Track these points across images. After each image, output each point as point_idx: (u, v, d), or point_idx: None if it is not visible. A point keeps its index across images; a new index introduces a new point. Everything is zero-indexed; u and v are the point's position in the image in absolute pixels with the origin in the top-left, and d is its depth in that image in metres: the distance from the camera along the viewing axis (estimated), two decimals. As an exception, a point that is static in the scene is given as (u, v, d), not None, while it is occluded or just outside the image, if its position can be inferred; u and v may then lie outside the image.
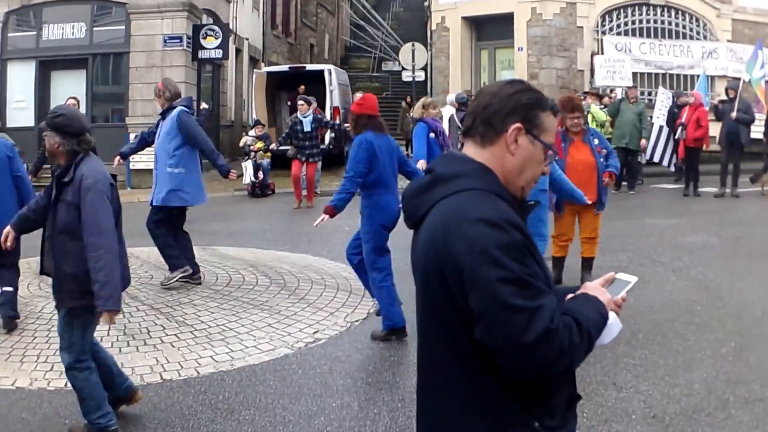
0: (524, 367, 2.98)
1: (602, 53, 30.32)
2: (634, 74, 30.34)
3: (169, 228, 12.96)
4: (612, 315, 3.25)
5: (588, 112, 23.92)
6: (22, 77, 30.14)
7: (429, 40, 36.82)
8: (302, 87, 30.11)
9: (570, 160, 11.31)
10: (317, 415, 7.71)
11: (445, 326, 3.15)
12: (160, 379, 8.88)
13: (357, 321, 10.85)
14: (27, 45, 30.62)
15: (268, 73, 34.33)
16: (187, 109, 12.85)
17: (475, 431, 3.14)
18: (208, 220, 19.57)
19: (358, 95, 26.42)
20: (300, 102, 24.94)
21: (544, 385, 3.13)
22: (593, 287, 3.35)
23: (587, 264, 12.00)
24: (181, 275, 12.62)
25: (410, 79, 35.54)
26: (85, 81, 29.93)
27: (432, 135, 14.79)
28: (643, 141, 23.69)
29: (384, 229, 10.22)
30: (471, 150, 3.32)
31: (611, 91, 27.99)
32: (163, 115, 12.82)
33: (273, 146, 24.46)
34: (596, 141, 11.56)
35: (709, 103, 25.87)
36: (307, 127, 22.57)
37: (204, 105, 29.40)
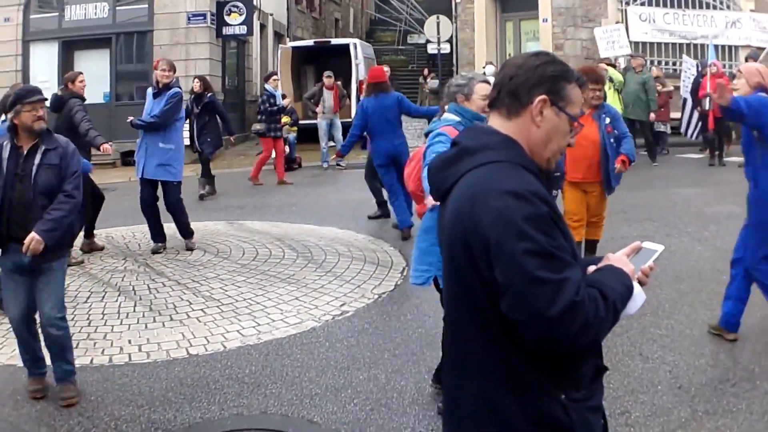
0: (549, 341, 2.95)
1: (626, 24, 30.06)
2: (658, 44, 30.10)
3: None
4: (636, 286, 3.22)
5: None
6: (45, 58, 30.07)
7: (454, 13, 36.51)
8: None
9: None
10: (344, 388, 7.70)
11: (471, 299, 3.14)
12: (186, 354, 8.87)
13: (384, 293, 10.82)
14: (49, 26, 30.53)
15: (294, 48, 34.25)
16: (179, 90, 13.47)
17: (501, 404, 3.12)
18: (234, 194, 19.60)
19: (385, 68, 26.55)
20: (327, 74, 24.97)
21: (569, 358, 3.11)
22: (617, 258, 3.32)
23: (591, 247, 11.42)
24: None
25: (435, 51, 35.36)
26: (108, 60, 29.90)
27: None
28: (652, 114, 23.35)
29: (380, 165, 14.57)
30: (496, 122, 3.30)
31: (615, 59, 27.67)
32: (159, 92, 13.37)
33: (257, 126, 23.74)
34: (608, 120, 10.70)
35: (729, 72, 25.63)
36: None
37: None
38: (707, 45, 27.25)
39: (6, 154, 7.38)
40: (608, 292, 3.06)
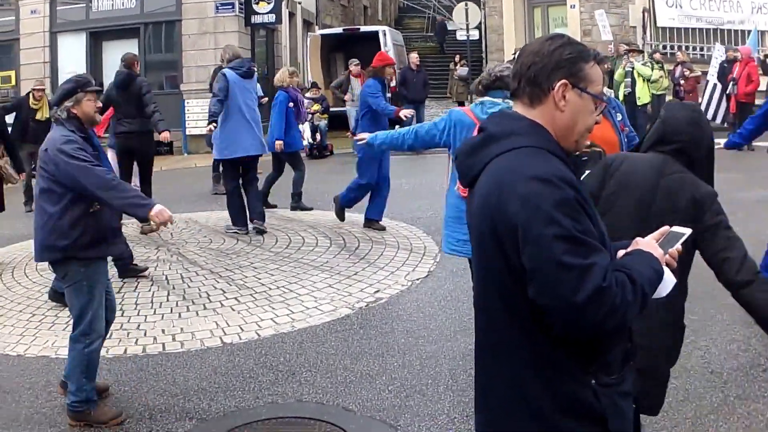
0: (576, 326, 2.96)
1: (653, 9, 29.93)
2: (686, 30, 29.94)
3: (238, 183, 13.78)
4: (666, 270, 3.23)
5: (632, 69, 23.63)
6: (73, 49, 30.14)
7: (482, -1, 36.51)
8: None
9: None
10: (379, 375, 7.66)
11: (500, 285, 3.14)
12: (220, 342, 8.87)
13: (418, 279, 10.77)
14: (77, 17, 30.61)
15: (323, 35, 34.28)
16: (230, 70, 13.42)
17: (531, 390, 3.12)
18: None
19: (414, 55, 26.41)
20: (354, 62, 24.91)
21: (598, 342, 3.11)
22: (646, 242, 3.32)
23: None
24: (235, 231, 13.60)
25: (464, 38, 35.25)
26: (137, 50, 29.87)
27: (291, 105, 15.98)
28: None
29: None
30: (521, 111, 3.29)
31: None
32: None
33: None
34: (619, 116, 9.79)
35: (758, 58, 25.46)
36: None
37: None
38: (748, 30, 27.12)
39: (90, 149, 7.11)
40: (636, 276, 3.06)
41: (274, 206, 15.98)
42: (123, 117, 13.75)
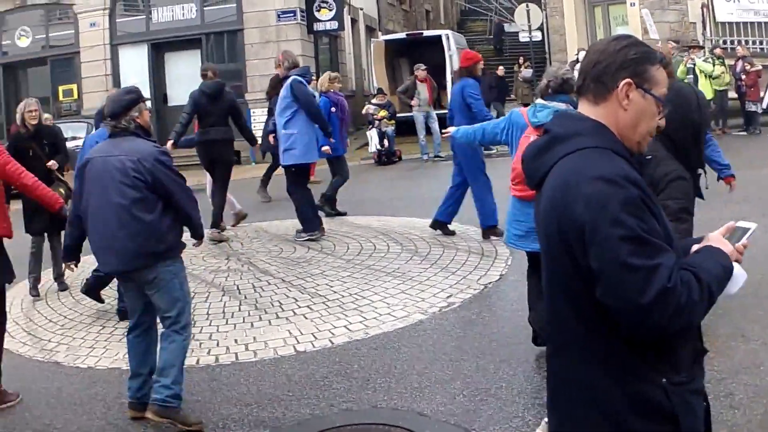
0: (642, 327, 2.97)
1: (712, 5, 29.59)
2: (744, 24, 29.59)
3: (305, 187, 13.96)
4: (737, 265, 3.21)
5: (693, 65, 23.32)
6: (135, 61, 30.56)
7: (543, 0, 36.33)
8: None
9: None
10: (453, 380, 7.60)
11: (568, 286, 3.16)
12: (293, 351, 8.86)
13: (490, 283, 10.67)
14: (137, 29, 31.11)
15: (386, 41, 34.33)
16: (300, 78, 13.65)
17: (603, 390, 3.14)
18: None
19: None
20: (421, 67, 24.84)
21: (668, 341, 3.10)
22: (716, 238, 3.31)
23: None
24: (308, 238, 13.54)
25: (527, 39, 35.16)
26: (200, 60, 30.13)
27: (333, 109, 16.11)
28: None
29: None
30: (585, 108, 3.31)
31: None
32: (282, 83, 13.85)
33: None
34: None
35: None
36: None
37: None
38: None
39: None
40: (703, 275, 3.05)
41: (344, 213, 15.95)
42: (210, 126, 14.15)
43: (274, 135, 15.27)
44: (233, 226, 15.05)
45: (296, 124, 13.49)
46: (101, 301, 10.73)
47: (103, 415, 7.65)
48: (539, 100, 7.75)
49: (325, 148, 15.06)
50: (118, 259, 7.11)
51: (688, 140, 5.47)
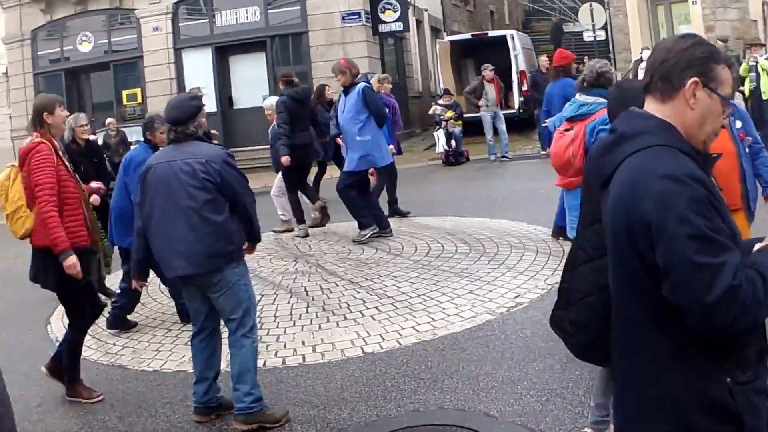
0: (708, 326, 2.98)
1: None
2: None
3: (359, 191, 14.08)
4: None
5: (756, 63, 22.91)
6: (199, 64, 30.82)
7: (606, -1, 36.20)
8: None
9: None
10: (520, 380, 7.54)
11: (635, 284, 3.18)
12: (361, 352, 8.86)
13: (557, 283, 10.54)
14: (201, 32, 31.36)
15: (452, 42, 34.31)
16: (370, 85, 14.05)
17: (668, 388, 3.15)
18: (403, 190, 19.57)
19: (543, 58, 26.24)
20: (488, 67, 24.76)
21: (734, 340, 3.09)
22: None
23: None
24: (371, 233, 13.75)
25: (591, 39, 34.95)
26: (265, 63, 30.37)
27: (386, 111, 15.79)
28: None
29: None
30: (652, 106, 3.33)
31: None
32: (347, 90, 13.89)
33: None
34: (738, 124, 7.90)
35: None
36: None
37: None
38: None
39: None
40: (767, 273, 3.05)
41: (407, 213, 15.97)
42: (300, 129, 14.40)
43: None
44: (276, 232, 15.12)
45: (370, 130, 13.65)
46: (133, 324, 10.69)
47: (168, 418, 7.72)
48: (578, 96, 7.70)
49: (391, 147, 15.13)
50: (187, 263, 7.11)
51: None
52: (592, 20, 34.38)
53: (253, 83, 29.68)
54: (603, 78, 7.40)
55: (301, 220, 14.86)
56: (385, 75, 17.82)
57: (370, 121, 13.64)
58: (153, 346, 9.78)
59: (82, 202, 8.10)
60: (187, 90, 26.59)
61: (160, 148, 9.72)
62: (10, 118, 33.87)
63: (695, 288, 2.92)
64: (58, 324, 11.41)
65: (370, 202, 14.15)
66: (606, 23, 35.64)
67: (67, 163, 8.08)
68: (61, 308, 11.94)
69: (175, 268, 7.24)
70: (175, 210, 7.04)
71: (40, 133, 8.01)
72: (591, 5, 34.70)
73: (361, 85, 13.73)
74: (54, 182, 7.84)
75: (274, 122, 15.03)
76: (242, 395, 7.09)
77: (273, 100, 15.91)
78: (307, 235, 14.52)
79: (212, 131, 16.68)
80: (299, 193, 15.01)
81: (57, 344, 10.60)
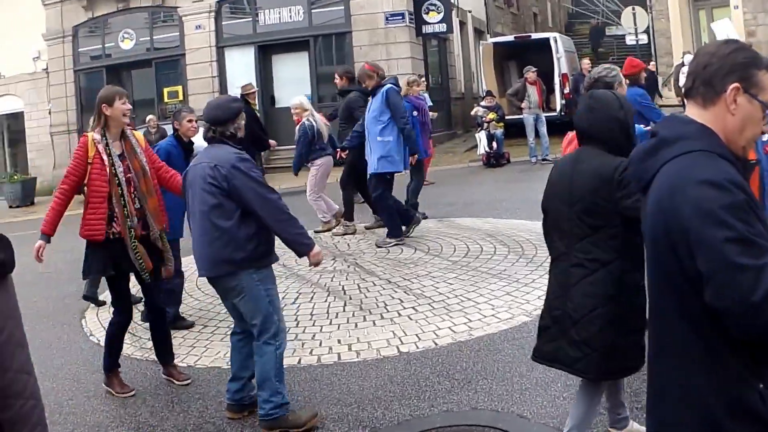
0: (753, 327, 2.96)
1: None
2: None
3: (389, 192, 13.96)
4: None
5: None
6: (242, 63, 30.99)
7: (648, 3, 36.09)
8: None
9: None
10: (554, 382, 7.51)
11: (673, 289, 3.19)
12: (397, 352, 8.85)
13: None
14: (244, 31, 31.55)
15: (495, 43, 34.21)
16: (395, 87, 13.87)
17: (702, 393, 3.14)
18: (443, 191, 19.59)
19: (585, 62, 26.11)
20: (531, 69, 24.71)
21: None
22: None
23: None
24: (394, 244, 13.57)
25: (634, 42, 34.78)
26: (308, 62, 30.46)
27: (415, 113, 15.85)
28: None
29: None
30: (693, 111, 3.33)
31: None
32: (374, 92, 13.86)
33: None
34: (765, 137, 8.18)
35: None
36: None
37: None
38: None
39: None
40: None
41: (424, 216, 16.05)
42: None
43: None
44: (318, 231, 15.07)
45: (392, 132, 13.57)
46: (190, 324, 10.62)
47: (200, 414, 7.76)
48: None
49: (412, 159, 15.13)
50: (202, 265, 7.19)
51: (620, 139, 5.54)
52: (635, 24, 34.23)
53: (295, 82, 29.68)
54: (599, 83, 7.32)
55: (350, 218, 14.94)
56: (415, 78, 17.65)
57: (392, 123, 13.56)
58: (188, 342, 9.83)
59: (113, 197, 8.08)
60: (237, 87, 26.72)
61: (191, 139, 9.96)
62: (50, 113, 34.26)
63: (740, 289, 2.90)
64: (93, 319, 11.60)
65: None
66: (648, 27, 35.48)
67: (106, 158, 8.07)
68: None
69: (198, 269, 7.33)
70: (194, 214, 7.14)
71: (97, 124, 8.22)
72: (634, 9, 34.59)
73: (387, 86, 13.69)
74: (73, 173, 8.21)
75: (303, 121, 15.12)
76: (262, 402, 7.10)
77: (302, 98, 16.02)
78: (354, 232, 14.62)
79: (271, 141, 16.82)
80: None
81: (90, 337, 10.81)
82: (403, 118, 13.58)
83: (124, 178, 8.10)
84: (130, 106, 8.41)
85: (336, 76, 16.45)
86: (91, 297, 12.05)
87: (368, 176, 13.92)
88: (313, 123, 15.14)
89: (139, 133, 8.58)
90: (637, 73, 13.15)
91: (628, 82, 13.42)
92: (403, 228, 13.83)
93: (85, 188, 8.23)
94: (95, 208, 8.11)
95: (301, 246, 7.10)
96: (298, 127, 15.36)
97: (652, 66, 31.86)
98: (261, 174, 7.30)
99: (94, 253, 8.21)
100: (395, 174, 14.01)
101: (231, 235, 6.92)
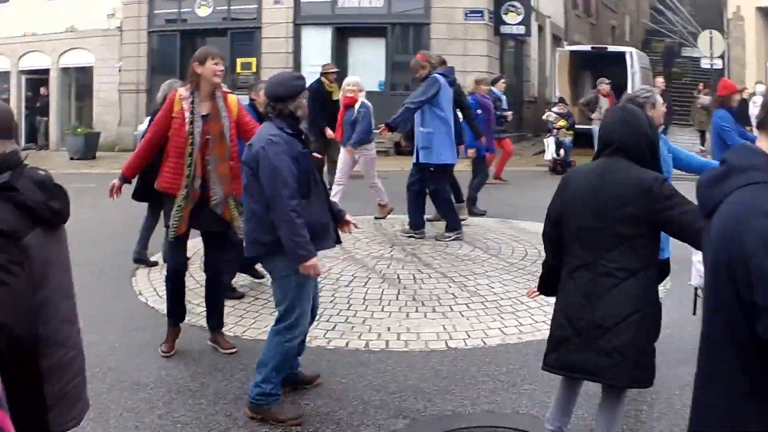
0: None
1: None
2: None
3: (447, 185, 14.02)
4: None
5: None
6: (317, 43, 30.88)
7: (725, 29, 35.70)
8: None
9: None
10: (597, 394, 7.35)
11: (727, 318, 3.09)
12: (445, 346, 8.85)
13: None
14: (322, 11, 31.41)
15: (571, 52, 34.12)
16: (440, 77, 13.46)
17: (746, 423, 3.05)
18: (508, 193, 19.55)
19: (660, 80, 25.85)
20: (605, 81, 24.56)
21: None
22: None
23: None
24: (454, 237, 13.47)
25: (708, 66, 34.43)
26: (384, 49, 30.44)
27: (479, 111, 16.17)
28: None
29: None
30: (764, 143, 3.18)
31: None
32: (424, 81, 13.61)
33: None
34: None
35: None
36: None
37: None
38: None
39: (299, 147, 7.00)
40: None
41: (483, 213, 16.20)
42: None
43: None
44: (377, 218, 15.12)
45: (432, 123, 13.34)
46: (240, 295, 10.70)
47: (241, 384, 7.76)
48: None
49: (471, 152, 14.97)
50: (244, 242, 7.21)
51: (646, 154, 5.66)
52: (711, 48, 33.90)
53: (370, 68, 29.58)
54: (633, 102, 7.39)
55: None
56: (483, 77, 17.55)
57: (431, 113, 13.27)
58: (237, 312, 9.88)
59: (191, 155, 8.13)
60: (311, 65, 26.69)
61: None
62: (120, 71, 34.43)
63: None
64: (144, 277, 11.77)
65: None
66: (724, 53, 35.10)
67: (187, 115, 8.15)
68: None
69: None
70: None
71: (188, 81, 8.36)
72: (711, 33, 34.22)
73: (433, 75, 13.44)
74: (155, 123, 8.55)
75: (363, 100, 14.97)
76: (253, 384, 7.06)
77: (358, 78, 15.91)
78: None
79: (328, 131, 16.67)
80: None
81: (138, 296, 10.89)
82: (416, 100, 13.23)
83: (199, 139, 8.13)
84: (222, 68, 8.39)
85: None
86: (142, 259, 12.24)
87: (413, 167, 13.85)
88: (370, 104, 15.08)
89: (233, 97, 8.59)
90: (728, 95, 12.92)
91: (717, 103, 13.25)
92: (411, 230, 13.74)
93: (168, 142, 8.35)
94: (174, 163, 8.22)
95: (293, 256, 6.71)
96: (358, 106, 14.99)
97: (746, 93, 31.47)
98: (303, 161, 6.93)
99: (168, 205, 8.34)
100: (448, 165, 13.78)
101: (259, 218, 6.87)
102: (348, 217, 7.51)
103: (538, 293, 6.69)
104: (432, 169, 13.57)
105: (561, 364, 5.84)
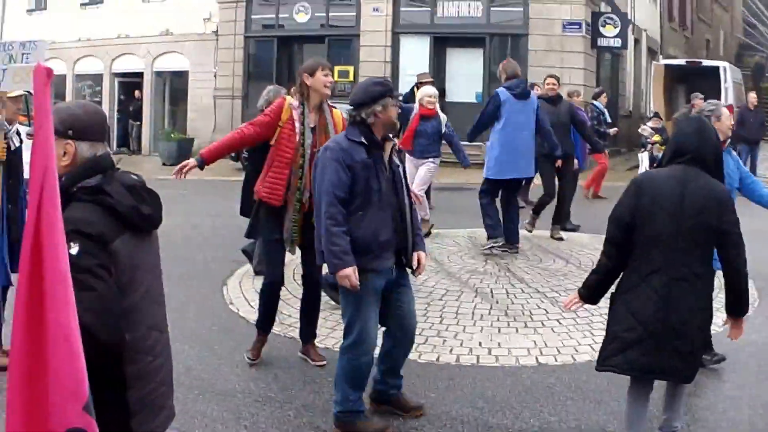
0: None
1: None
2: None
3: (493, 199, 13.87)
4: None
5: None
6: (416, 51, 30.78)
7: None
8: None
9: None
10: (604, 400, 7.71)
11: None
12: (535, 362, 8.91)
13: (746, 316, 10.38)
14: (421, 20, 31.40)
15: (666, 65, 33.71)
16: (505, 90, 13.39)
17: None
18: (603, 208, 19.43)
19: (752, 95, 25.59)
20: (698, 96, 24.36)
21: None
22: None
23: None
24: (492, 245, 13.43)
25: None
26: (482, 60, 30.30)
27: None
28: None
29: None
30: None
31: None
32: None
33: None
34: None
35: None
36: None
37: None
38: None
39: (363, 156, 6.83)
40: None
41: (577, 227, 16.29)
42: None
43: None
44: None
45: (493, 136, 13.47)
46: None
47: (330, 396, 7.52)
48: None
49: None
50: None
51: (714, 162, 5.98)
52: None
53: (467, 78, 29.65)
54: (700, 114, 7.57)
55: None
56: (575, 89, 17.49)
57: (496, 127, 13.32)
58: (329, 324, 9.84)
59: (301, 167, 8.14)
60: (409, 75, 26.66)
61: None
62: (215, 77, 34.42)
63: None
64: (235, 285, 11.86)
65: (507, 214, 13.76)
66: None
67: (298, 125, 8.17)
68: (240, 270, 12.50)
69: None
70: None
71: (298, 92, 8.38)
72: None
73: (496, 90, 13.63)
74: (258, 123, 8.36)
75: (439, 113, 14.74)
76: (333, 401, 7.15)
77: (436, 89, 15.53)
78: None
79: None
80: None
81: (229, 305, 10.99)
82: (479, 122, 13.56)
83: (309, 151, 8.12)
84: (332, 79, 8.42)
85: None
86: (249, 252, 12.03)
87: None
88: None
89: (339, 111, 8.52)
90: None
91: None
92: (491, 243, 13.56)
93: (271, 150, 8.31)
94: (277, 172, 8.19)
95: (329, 264, 6.75)
96: (445, 120, 14.76)
97: None
98: (363, 170, 6.79)
99: (266, 216, 8.36)
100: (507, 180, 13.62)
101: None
102: (420, 255, 7.12)
103: (580, 304, 6.67)
104: (493, 181, 13.63)
105: (631, 366, 6.04)
